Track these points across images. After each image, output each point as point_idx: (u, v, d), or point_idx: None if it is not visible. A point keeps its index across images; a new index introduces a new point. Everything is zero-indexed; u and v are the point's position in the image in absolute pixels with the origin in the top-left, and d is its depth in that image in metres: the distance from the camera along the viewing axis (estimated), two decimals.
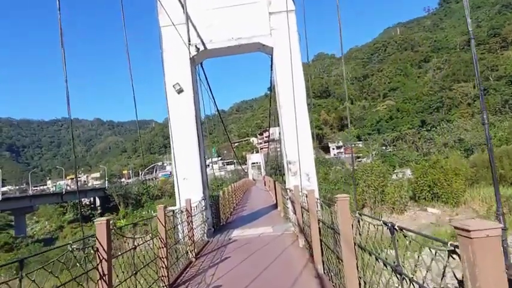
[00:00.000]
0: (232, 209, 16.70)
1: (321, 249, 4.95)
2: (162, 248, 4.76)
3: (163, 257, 4.70)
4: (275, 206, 16.84)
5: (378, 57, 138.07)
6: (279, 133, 9.73)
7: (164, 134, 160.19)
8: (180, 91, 9.47)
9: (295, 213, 8.46)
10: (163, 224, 4.88)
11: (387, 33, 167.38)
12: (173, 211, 6.53)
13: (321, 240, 4.95)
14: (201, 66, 11.18)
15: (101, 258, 3.13)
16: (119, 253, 4.01)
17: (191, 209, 6.81)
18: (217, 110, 21.78)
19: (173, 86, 9.42)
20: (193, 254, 6.56)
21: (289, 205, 9.64)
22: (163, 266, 4.70)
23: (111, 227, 3.41)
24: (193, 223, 7.29)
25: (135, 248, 4.12)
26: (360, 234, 3.35)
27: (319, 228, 4.97)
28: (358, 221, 3.34)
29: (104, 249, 3.17)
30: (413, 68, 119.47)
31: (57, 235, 68.89)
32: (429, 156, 58.55)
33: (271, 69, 11.12)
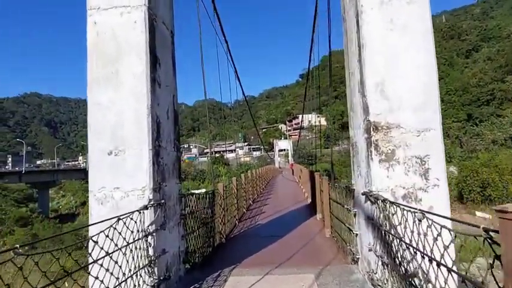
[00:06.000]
0: (244, 210, 11.22)
1: None
2: None
3: None
4: (309, 208, 11.19)
5: None
6: (356, 54, 3.93)
7: (193, 117, 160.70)
8: None
9: (393, 272, 2.85)
10: None
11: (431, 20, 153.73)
12: None
13: None
14: None
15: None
16: None
17: None
18: (236, 73, 16.29)
19: None
20: None
21: (369, 234, 3.96)
22: None
23: None
24: None
25: None
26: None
27: None
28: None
29: None
30: (459, 57, 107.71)
31: (80, 211, 68.31)
32: (475, 153, 51.93)
33: None
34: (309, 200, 12.72)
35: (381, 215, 3.29)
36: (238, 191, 9.98)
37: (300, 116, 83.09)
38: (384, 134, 3.60)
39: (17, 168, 63.00)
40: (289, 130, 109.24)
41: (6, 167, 75.90)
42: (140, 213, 3.36)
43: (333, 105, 76.03)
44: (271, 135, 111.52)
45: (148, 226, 3.55)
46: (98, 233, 2.63)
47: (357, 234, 4.41)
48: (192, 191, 6.50)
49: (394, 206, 2.79)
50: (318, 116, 39.47)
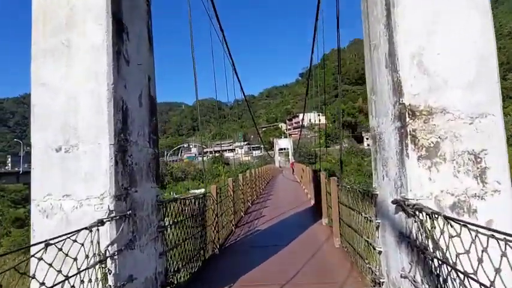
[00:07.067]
0: (242, 213, 10.29)
1: None
2: None
3: None
4: (313, 211, 10.28)
5: None
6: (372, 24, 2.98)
7: (193, 117, 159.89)
8: None
9: None
10: None
11: None
12: None
13: None
14: None
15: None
16: None
17: None
18: (234, 66, 15.33)
19: None
20: None
21: (402, 256, 3.05)
22: None
23: None
24: None
25: None
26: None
27: None
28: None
29: None
30: None
31: None
32: None
33: None
34: (313, 202, 11.82)
35: (424, 234, 2.37)
36: (235, 193, 9.06)
37: (300, 115, 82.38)
38: (423, 122, 2.68)
39: (16, 169, 62.16)
40: (289, 129, 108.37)
41: (6, 167, 74.98)
42: (91, 231, 2.44)
43: (334, 104, 75.02)
44: (271, 134, 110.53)
45: (107, 247, 2.63)
46: (9, 269, 1.73)
47: (380, 252, 3.50)
48: (193, 191, 5.63)
49: (458, 226, 1.86)
50: (319, 115, 38.55)
